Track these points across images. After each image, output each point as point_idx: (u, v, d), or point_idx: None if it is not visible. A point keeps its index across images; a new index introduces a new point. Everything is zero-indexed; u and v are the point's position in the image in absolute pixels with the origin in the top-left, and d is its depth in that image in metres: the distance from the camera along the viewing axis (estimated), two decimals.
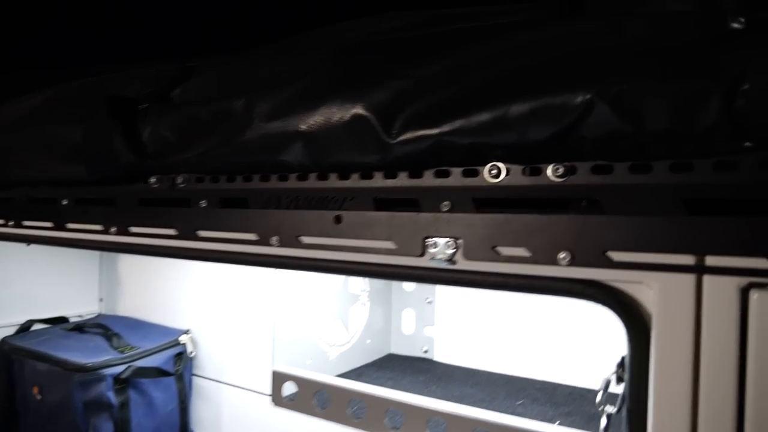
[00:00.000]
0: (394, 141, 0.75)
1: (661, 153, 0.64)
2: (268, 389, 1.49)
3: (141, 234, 1.11)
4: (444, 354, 1.63)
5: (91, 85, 1.24)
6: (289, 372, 1.30)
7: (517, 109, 0.65)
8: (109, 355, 1.55)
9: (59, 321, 1.91)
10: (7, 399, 1.68)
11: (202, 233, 1.01)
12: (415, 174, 0.80)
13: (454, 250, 0.73)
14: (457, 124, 0.70)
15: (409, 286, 1.69)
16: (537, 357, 1.54)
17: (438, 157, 0.75)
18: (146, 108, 1.10)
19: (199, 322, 1.73)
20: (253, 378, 1.53)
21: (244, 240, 0.94)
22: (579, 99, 0.62)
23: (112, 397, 1.49)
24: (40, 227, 1.32)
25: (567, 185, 0.69)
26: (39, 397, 1.59)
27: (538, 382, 1.52)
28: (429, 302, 1.67)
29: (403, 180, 0.82)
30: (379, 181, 0.84)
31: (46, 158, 1.20)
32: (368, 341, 1.63)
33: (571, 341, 1.48)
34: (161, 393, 1.60)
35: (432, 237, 0.74)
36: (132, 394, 1.52)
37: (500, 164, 0.73)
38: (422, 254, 0.75)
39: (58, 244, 1.27)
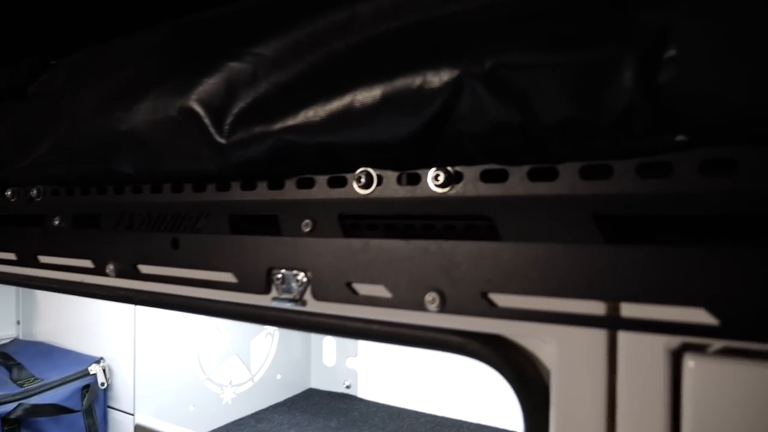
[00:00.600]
0: (227, 142, 0.56)
1: (566, 153, 0.46)
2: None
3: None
4: (368, 389, 1.42)
5: None
6: (151, 427, 1.10)
7: (366, 96, 0.47)
8: (2, 390, 1.36)
9: None
10: None
11: (43, 259, 0.82)
12: (276, 184, 0.62)
13: (303, 287, 0.54)
14: (299, 118, 0.51)
15: None
16: (472, 395, 1.33)
17: (288, 163, 0.56)
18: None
19: (114, 348, 1.54)
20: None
21: (80, 268, 0.75)
22: (443, 78, 0.44)
23: None
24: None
25: (452, 197, 0.50)
26: None
27: (472, 425, 1.30)
28: None
29: (262, 192, 0.63)
30: (236, 193, 0.66)
31: None
32: (278, 376, 1.43)
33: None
34: (64, 431, 1.40)
35: (278, 269, 0.56)
36: None
37: (372, 171, 0.54)
38: (266, 291, 0.56)
39: None
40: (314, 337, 1.50)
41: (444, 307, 0.46)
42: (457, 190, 0.50)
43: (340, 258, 0.52)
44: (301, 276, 0.54)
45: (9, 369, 1.49)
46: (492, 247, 0.45)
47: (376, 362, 1.44)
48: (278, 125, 0.53)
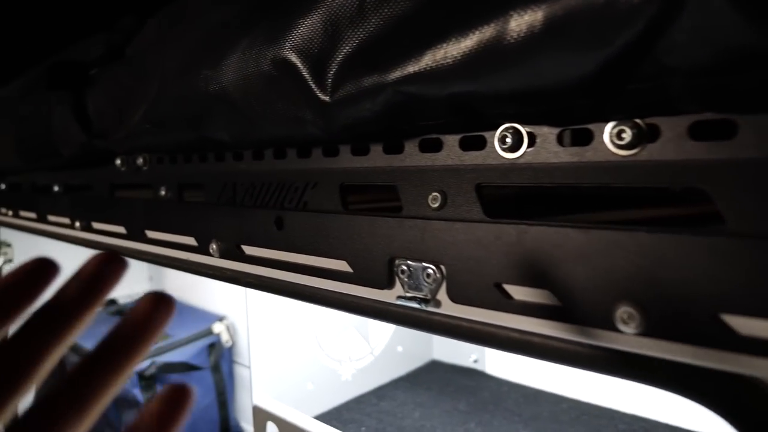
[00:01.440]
0: (331, 99, 0.44)
1: None
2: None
3: (101, 231, 0.90)
4: (498, 366, 1.29)
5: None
6: (270, 410, 1.05)
7: (520, 24, 0.32)
8: None
9: (108, 303, 1.84)
10: None
11: (150, 234, 0.77)
12: (394, 148, 0.50)
13: (435, 285, 0.42)
14: (422, 63, 0.38)
15: None
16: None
17: (409, 122, 0.44)
18: (95, 74, 0.88)
19: (235, 308, 1.56)
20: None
21: (185, 245, 0.69)
22: None
23: (139, 395, 1.36)
24: (29, 218, 1.17)
25: (642, 162, 0.35)
26: None
27: (626, 416, 1.09)
28: None
29: (376, 157, 0.52)
30: (346, 159, 0.55)
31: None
32: (399, 348, 1.34)
33: None
34: (195, 387, 1.45)
35: (403, 259, 0.44)
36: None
37: (520, 127, 0.40)
38: (389, 285, 0.45)
39: (45, 236, 1.11)
40: None
41: (646, 328, 0.31)
42: (651, 151, 0.35)
43: (485, 249, 0.39)
44: (433, 270, 0.42)
45: None
46: (718, 244, 0.30)
47: None
48: (395, 74, 0.40)
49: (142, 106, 0.67)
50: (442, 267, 0.42)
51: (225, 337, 1.53)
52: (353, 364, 1.19)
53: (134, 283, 1.95)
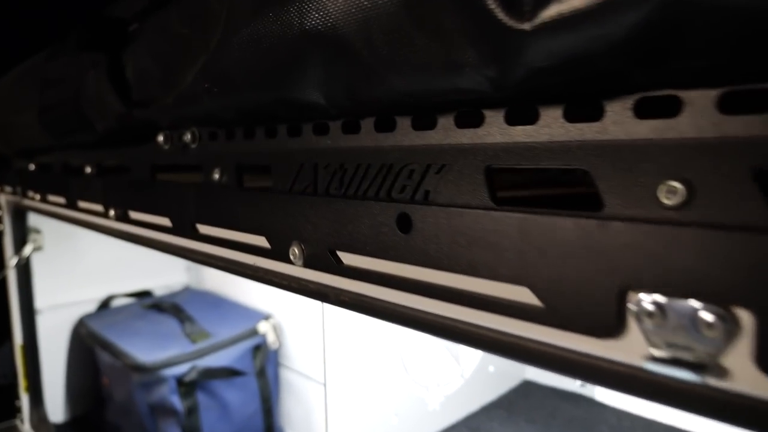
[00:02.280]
0: (531, 25, 0.27)
1: None
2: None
3: (140, 222, 0.75)
4: (611, 391, 1.07)
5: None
6: None
7: None
8: (174, 349, 1.28)
9: (142, 295, 1.71)
10: (94, 387, 1.51)
11: (202, 229, 0.61)
12: (584, 112, 0.32)
13: (719, 339, 0.24)
14: None
15: None
16: None
17: (661, 58, 0.26)
18: (134, 30, 0.72)
19: (285, 305, 1.41)
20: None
21: (252, 246, 0.52)
22: None
23: (177, 403, 1.22)
24: (58, 203, 1.03)
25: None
26: (110, 390, 1.39)
27: None
28: None
29: (554, 124, 0.34)
30: (496, 130, 0.38)
31: (27, 115, 0.88)
32: (491, 368, 1.15)
33: None
34: (238, 394, 1.31)
35: (648, 291, 0.26)
36: (201, 398, 1.26)
37: None
38: (617, 332, 0.28)
39: (75, 224, 0.97)
40: None
41: None
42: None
43: None
44: (718, 315, 0.24)
45: (182, 322, 1.42)
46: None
47: None
48: None
49: (200, 58, 0.51)
50: (739, 311, 0.24)
51: (271, 338, 1.38)
52: (442, 390, 1.00)
53: (171, 274, 1.82)
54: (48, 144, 1.00)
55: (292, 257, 0.46)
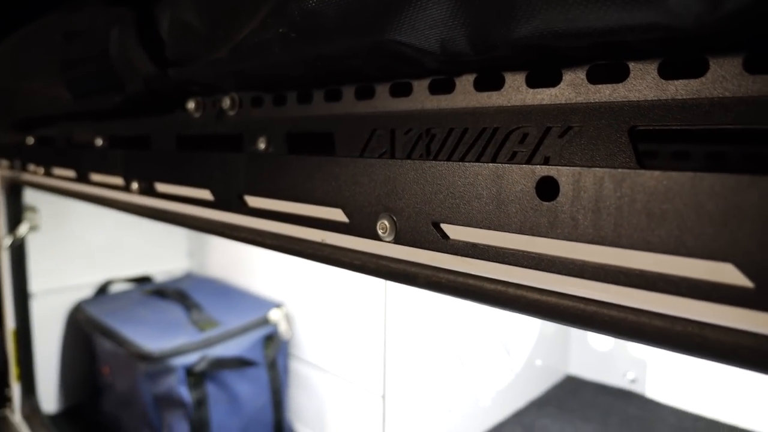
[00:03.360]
0: None
1: None
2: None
3: (170, 195, 0.67)
4: (663, 387, 1.05)
5: None
6: None
7: None
8: (181, 337, 1.20)
9: (142, 281, 1.62)
10: (91, 376, 1.42)
11: (252, 200, 0.54)
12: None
13: None
14: None
15: None
16: None
17: None
18: None
19: (297, 293, 1.34)
20: (364, 374, 1.07)
21: (324, 221, 0.46)
22: None
23: (185, 394, 1.15)
24: (66, 177, 0.94)
25: None
26: (110, 379, 1.31)
27: None
28: None
29: (723, 77, 0.29)
30: (642, 84, 0.32)
31: (35, 81, 0.80)
32: (539, 362, 1.10)
33: None
34: (248, 385, 1.24)
35: None
36: (211, 389, 1.18)
37: None
38: None
39: (85, 200, 0.89)
40: None
41: None
42: None
43: None
44: None
45: (188, 309, 1.35)
46: None
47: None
48: None
49: (265, 5, 0.43)
50: None
51: (283, 328, 1.31)
52: (493, 385, 0.94)
53: (172, 260, 1.73)
54: (56, 111, 0.92)
55: (380, 232, 0.40)
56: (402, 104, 0.46)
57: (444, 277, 0.37)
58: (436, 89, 0.43)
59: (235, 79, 0.58)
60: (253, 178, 0.53)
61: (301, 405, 1.34)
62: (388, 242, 0.39)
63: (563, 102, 0.36)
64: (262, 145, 0.59)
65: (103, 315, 1.35)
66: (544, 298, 0.32)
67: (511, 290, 0.34)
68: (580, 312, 0.31)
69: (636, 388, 1.02)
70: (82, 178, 0.87)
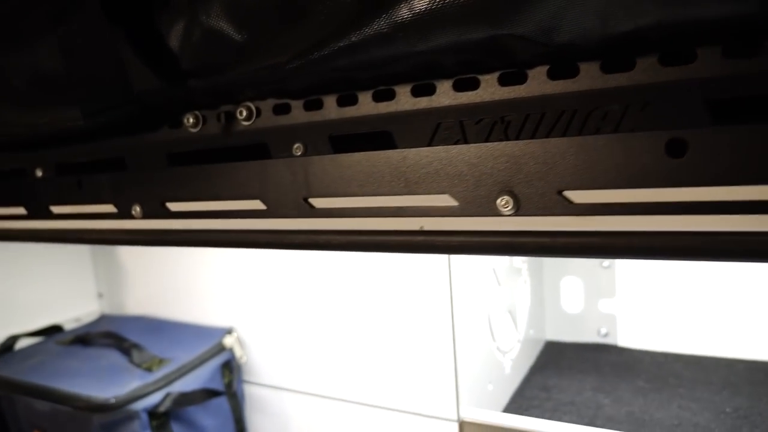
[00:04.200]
0: None
1: None
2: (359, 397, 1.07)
3: (188, 213, 0.64)
4: (633, 336, 1.18)
5: None
6: (485, 421, 0.82)
7: None
8: (136, 380, 1.11)
9: (52, 331, 1.45)
10: None
11: (317, 202, 0.55)
12: None
13: None
14: None
15: None
16: None
17: None
18: None
19: (244, 315, 1.29)
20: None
21: (427, 207, 0.49)
22: None
23: None
24: (6, 216, 0.84)
25: None
26: None
27: None
28: (606, 267, 1.23)
29: None
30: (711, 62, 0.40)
31: (12, 103, 0.72)
32: (531, 331, 1.19)
33: None
34: (213, 418, 1.18)
35: None
36: (176, 429, 1.10)
37: None
38: None
39: (43, 240, 0.80)
40: (548, 278, 1.24)
41: None
42: None
43: None
44: None
45: (126, 352, 1.23)
46: None
47: (642, 304, 1.16)
48: None
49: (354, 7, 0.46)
50: None
51: (239, 353, 1.26)
52: (509, 355, 1.00)
53: (79, 304, 1.56)
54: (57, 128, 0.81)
55: (501, 207, 0.44)
56: (467, 98, 0.51)
57: (578, 240, 0.42)
58: (506, 81, 0.49)
59: (273, 86, 0.58)
60: (317, 180, 0.54)
61: (262, 429, 1.30)
62: (509, 215, 0.44)
63: (639, 83, 0.44)
64: (298, 152, 0.60)
65: (21, 374, 1.18)
66: (678, 239, 0.39)
67: (636, 239, 0.41)
68: (707, 243, 0.39)
69: (609, 341, 1.18)
70: (39, 214, 0.78)
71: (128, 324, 1.44)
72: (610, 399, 0.93)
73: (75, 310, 1.55)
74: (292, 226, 0.56)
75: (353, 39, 0.48)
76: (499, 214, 0.44)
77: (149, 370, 1.16)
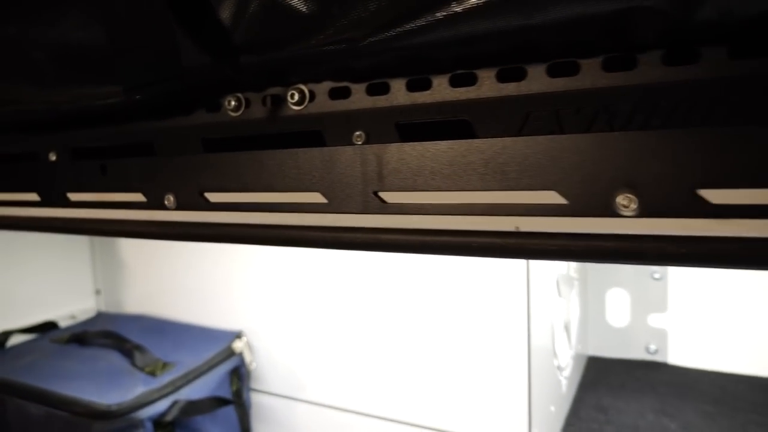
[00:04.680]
0: None
1: None
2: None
3: (231, 205, 0.58)
4: (685, 353, 1.12)
5: None
6: None
7: None
8: (140, 385, 1.03)
9: (46, 328, 1.36)
10: None
11: (390, 197, 0.49)
12: None
13: None
14: None
15: None
16: None
17: None
18: None
19: (254, 318, 1.22)
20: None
21: (527, 205, 0.43)
22: None
23: None
24: (17, 202, 0.77)
25: None
26: None
27: None
28: (657, 278, 1.18)
29: None
30: None
31: (31, 80, 0.65)
32: (579, 346, 1.12)
33: None
34: (219, 428, 1.10)
35: None
36: None
37: None
38: None
39: (57, 230, 0.73)
40: (592, 286, 1.17)
41: None
42: None
43: None
44: None
45: (129, 354, 1.16)
46: None
47: (695, 321, 1.09)
48: None
49: None
50: None
51: (248, 358, 1.18)
52: (565, 372, 0.94)
53: (75, 300, 1.47)
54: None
55: (620, 207, 0.39)
56: (565, 84, 0.45)
57: (708, 247, 0.37)
58: (612, 67, 0.43)
59: (337, 66, 0.52)
60: (393, 171, 0.48)
61: None
62: (631, 216, 0.38)
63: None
64: (359, 141, 0.54)
65: (13, 374, 1.10)
66: None
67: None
68: None
69: (658, 358, 1.11)
70: (54, 201, 0.72)
71: (127, 323, 1.36)
72: (676, 425, 0.87)
73: (70, 306, 1.47)
74: (355, 223, 0.51)
75: (449, 11, 0.42)
76: (618, 215, 0.39)
77: (153, 374, 1.09)
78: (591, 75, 0.44)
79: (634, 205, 0.38)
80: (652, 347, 1.12)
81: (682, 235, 0.38)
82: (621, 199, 0.39)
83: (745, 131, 0.36)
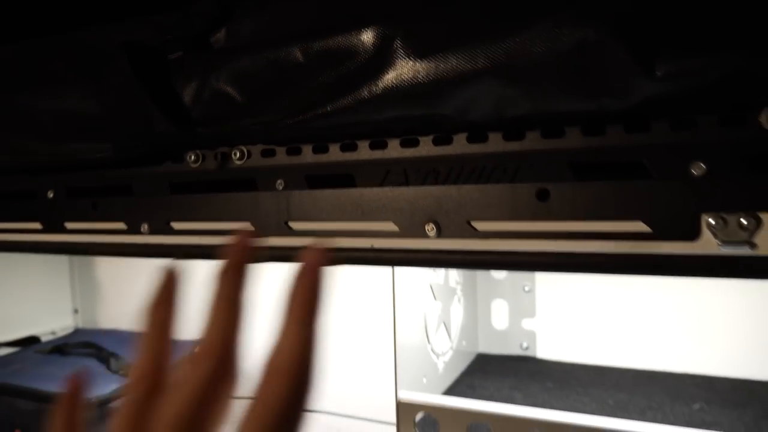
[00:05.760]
0: (660, 74, 0.50)
1: None
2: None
3: (189, 231, 0.80)
4: (549, 349, 1.40)
5: (89, 39, 0.90)
6: (420, 400, 0.99)
7: None
8: (114, 383, 1.22)
9: (30, 342, 1.54)
10: None
11: (296, 225, 0.72)
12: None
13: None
14: None
15: (499, 274, 1.40)
16: (662, 344, 1.26)
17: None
18: (181, 58, 0.79)
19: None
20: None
21: (378, 231, 0.66)
22: None
23: None
24: (24, 230, 0.97)
25: None
26: None
27: (687, 376, 1.22)
28: (527, 291, 1.45)
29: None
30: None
31: (38, 136, 0.87)
32: (464, 343, 1.37)
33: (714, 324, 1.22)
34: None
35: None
36: None
37: None
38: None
39: (55, 251, 0.94)
40: (480, 298, 1.43)
41: None
42: None
43: None
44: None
45: (105, 360, 1.35)
46: None
47: (558, 323, 1.38)
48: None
49: (340, 86, 0.64)
50: None
51: None
52: (443, 358, 1.18)
53: (55, 318, 1.65)
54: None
55: (428, 231, 0.62)
56: (410, 153, 0.69)
57: (475, 257, 0.61)
58: (438, 142, 0.67)
59: (264, 137, 0.75)
60: (296, 208, 0.71)
61: None
62: (433, 238, 0.62)
63: (526, 149, 0.63)
64: (280, 187, 0.77)
65: (3, 377, 1.28)
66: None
67: (517, 256, 0.60)
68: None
69: (529, 353, 1.39)
70: (53, 229, 0.93)
71: (103, 336, 1.55)
72: (521, 394, 1.12)
73: (51, 323, 1.64)
74: (272, 243, 0.73)
75: (329, 108, 0.66)
76: (426, 237, 0.63)
77: (126, 375, 1.28)
78: (426, 147, 0.68)
79: (434, 231, 0.62)
80: (525, 345, 1.39)
81: (462, 249, 0.62)
82: (428, 228, 0.62)
83: (497, 187, 0.60)
